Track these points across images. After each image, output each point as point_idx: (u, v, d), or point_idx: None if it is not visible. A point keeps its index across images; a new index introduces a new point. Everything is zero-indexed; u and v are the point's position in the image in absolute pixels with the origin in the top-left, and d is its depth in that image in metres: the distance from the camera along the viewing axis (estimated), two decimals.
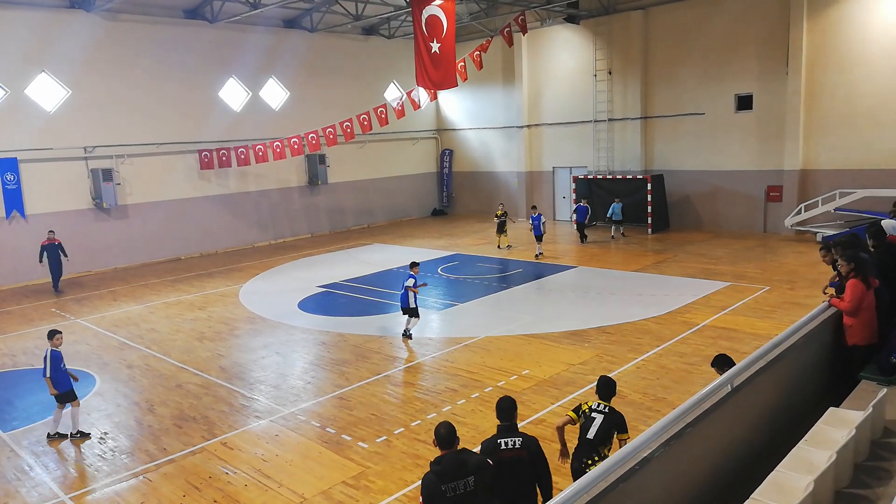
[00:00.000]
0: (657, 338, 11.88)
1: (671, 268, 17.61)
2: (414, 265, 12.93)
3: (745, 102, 22.23)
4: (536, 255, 19.87)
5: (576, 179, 25.22)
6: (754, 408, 6.00)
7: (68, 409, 9.13)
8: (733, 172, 22.74)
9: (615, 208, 22.65)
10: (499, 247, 21.86)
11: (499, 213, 22.06)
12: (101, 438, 8.99)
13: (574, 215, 19.98)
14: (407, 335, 12.67)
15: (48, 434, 9.11)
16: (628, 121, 25.04)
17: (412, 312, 12.53)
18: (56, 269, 18.32)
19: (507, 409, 5.21)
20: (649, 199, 22.99)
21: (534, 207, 21.05)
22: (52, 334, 9.19)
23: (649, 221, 23.20)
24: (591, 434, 5.82)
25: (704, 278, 16.13)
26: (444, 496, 4.55)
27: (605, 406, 5.97)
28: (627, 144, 25.23)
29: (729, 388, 5.46)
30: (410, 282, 12.40)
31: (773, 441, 5.95)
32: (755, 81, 21.80)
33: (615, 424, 5.89)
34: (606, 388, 6.08)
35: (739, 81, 22.15)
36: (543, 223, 19.84)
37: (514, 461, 5.01)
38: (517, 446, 5.03)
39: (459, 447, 4.82)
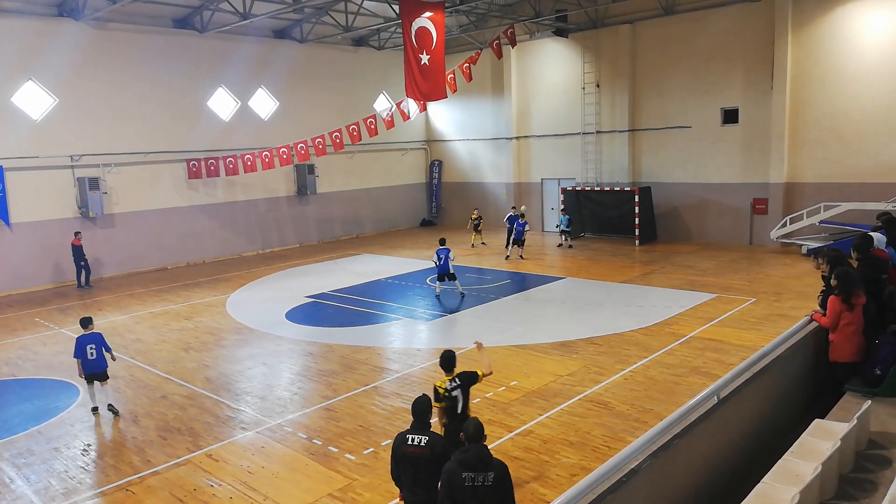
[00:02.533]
0: (644, 349, 11.91)
1: (658, 279, 17.71)
2: (443, 241, 17.00)
3: (731, 116, 22.48)
4: (515, 257, 21.43)
5: (564, 191, 25.35)
6: (741, 419, 6.04)
7: (97, 386, 10.09)
8: (720, 185, 22.96)
9: (563, 220, 23.83)
10: (473, 245, 24.38)
11: (473, 216, 25.03)
12: (84, 450, 8.88)
13: (506, 223, 23.15)
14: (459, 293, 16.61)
15: (93, 409, 10.09)
16: (616, 133, 25.23)
17: (450, 277, 16.51)
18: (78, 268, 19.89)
19: (419, 410, 5.61)
20: (637, 210, 23.14)
21: (521, 215, 22.41)
22: (90, 321, 10.19)
23: (637, 233, 23.34)
24: (459, 409, 6.65)
25: (691, 290, 16.22)
26: (463, 484, 4.79)
27: (454, 380, 6.74)
28: (615, 156, 25.41)
29: (715, 400, 5.49)
30: (443, 254, 16.33)
31: (759, 452, 5.98)
32: (741, 95, 22.07)
33: (469, 385, 6.79)
34: (449, 361, 6.88)
35: (725, 95, 22.41)
36: (527, 230, 21.80)
37: (416, 457, 5.39)
38: (421, 444, 5.41)
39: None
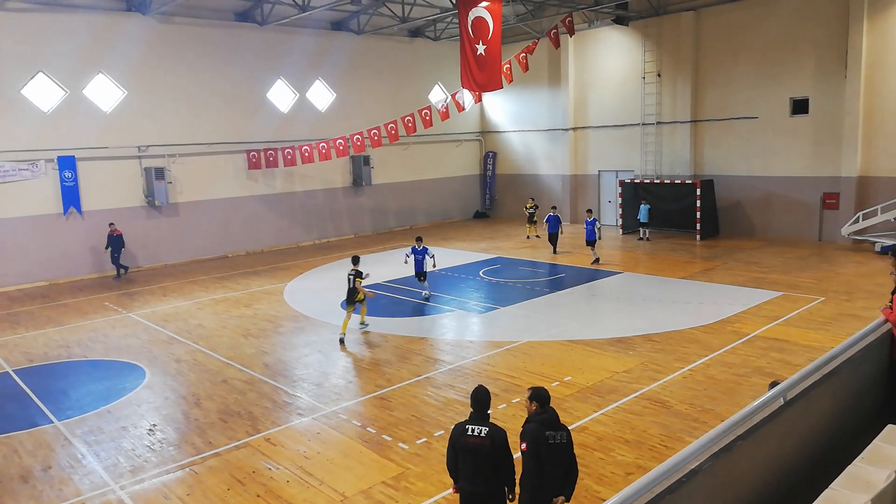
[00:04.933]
0: (705, 347, 11.59)
1: (720, 276, 17.18)
2: (419, 239, 16.42)
3: (800, 106, 21.54)
4: (594, 261, 19.27)
5: (622, 184, 24.86)
6: (808, 422, 5.80)
7: None
8: (787, 178, 22.06)
9: (643, 210, 22.53)
10: (528, 237, 24.30)
11: (528, 206, 24.67)
12: (150, 430, 9.24)
13: (546, 224, 21.27)
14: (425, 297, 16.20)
15: None
16: (678, 124, 24.54)
17: (424, 276, 16.17)
18: (114, 258, 20.12)
19: (480, 399, 5.61)
20: (698, 204, 22.48)
21: (589, 211, 20.57)
22: None
23: (698, 228, 22.69)
24: (351, 285, 12.63)
25: (755, 287, 15.67)
26: (547, 442, 5.29)
27: (354, 270, 12.66)
28: (676, 148, 24.74)
29: (782, 402, 5.28)
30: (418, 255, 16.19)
31: (828, 458, 5.73)
32: (811, 84, 21.11)
33: (357, 276, 12.64)
34: (355, 259, 12.85)
35: (795, 84, 21.48)
36: (599, 228, 19.64)
37: (476, 448, 5.41)
38: (482, 435, 5.42)
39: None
